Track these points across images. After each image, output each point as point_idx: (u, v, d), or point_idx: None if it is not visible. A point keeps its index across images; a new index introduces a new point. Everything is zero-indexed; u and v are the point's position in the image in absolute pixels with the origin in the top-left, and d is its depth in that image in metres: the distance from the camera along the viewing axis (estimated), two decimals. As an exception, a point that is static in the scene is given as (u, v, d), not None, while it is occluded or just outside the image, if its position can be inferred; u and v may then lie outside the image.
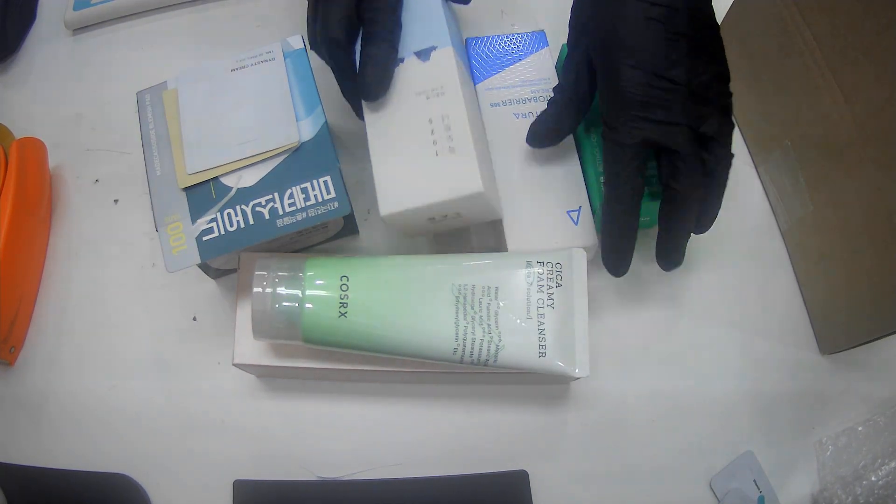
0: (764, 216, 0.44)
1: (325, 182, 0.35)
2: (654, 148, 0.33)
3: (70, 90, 0.49)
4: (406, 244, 0.42)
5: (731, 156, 0.34)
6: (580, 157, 0.40)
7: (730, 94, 0.34)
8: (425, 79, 0.35)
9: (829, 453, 0.38)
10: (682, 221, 0.34)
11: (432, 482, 0.38)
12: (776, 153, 0.42)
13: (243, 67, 0.38)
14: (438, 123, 0.34)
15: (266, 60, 0.38)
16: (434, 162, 0.34)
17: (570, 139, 0.40)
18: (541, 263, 0.34)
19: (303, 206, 0.35)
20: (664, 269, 0.37)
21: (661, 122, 0.31)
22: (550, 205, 0.38)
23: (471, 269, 0.34)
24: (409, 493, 0.38)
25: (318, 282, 0.33)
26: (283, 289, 0.32)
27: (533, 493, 0.38)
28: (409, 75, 0.36)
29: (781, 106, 0.41)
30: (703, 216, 0.36)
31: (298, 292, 0.32)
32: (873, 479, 0.37)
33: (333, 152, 0.36)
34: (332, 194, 0.35)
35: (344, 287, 0.33)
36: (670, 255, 0.36)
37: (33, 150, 0.44)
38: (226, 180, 0.36)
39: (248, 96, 0.37)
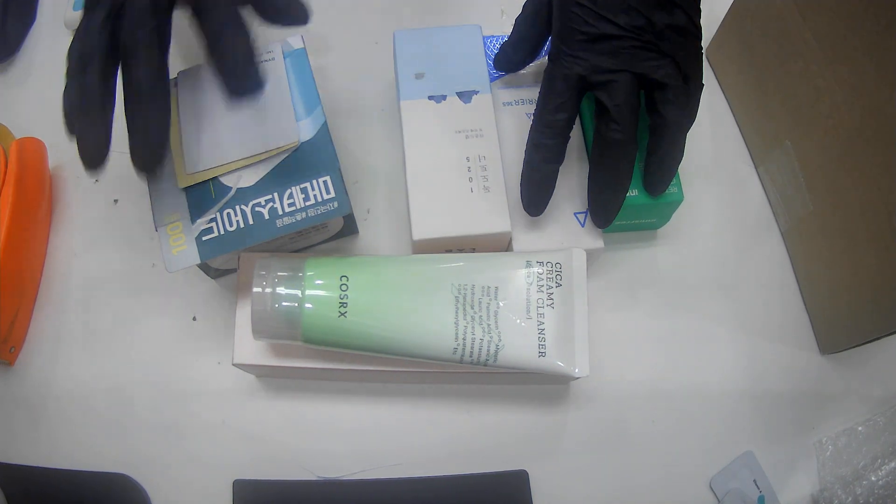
0: (764, 216, 0.44)
1: (325, 182, 0.35)
2: (639, 81, 0.33)
3: (70, 90, 0.49)
4: (406, 244, 0.42)
5: (683, 110, 0.34)
6: (589, 159, 0.40)
7: (686, 47, 0.34)
8: (465, 119, 0.38)
9: (829, 453, 0.38)
10: (671, 150, 0.35)
11: (432, 482, 0.38)
12: (776, 153, 0.42)
13: None
14: (475, 162, 0.37)
15: (266, 60, 0.38)
16: (468, 197, 0.37)
17: (579, 140, 0.40)
18: (540, 263, 0.34)
19: (302, 206, 0.35)
20: (653, 195, 0.38)
21: (603, 66, 0.33)
22: (557, 206, 0.38)
23: (471, 269, 0.34)
24: (409, 493, 0.38)
25: (318, 282, 0.33)
26: (282, 289, 0.32)
27: (533, 493, 0.38)
28: (450, 113, 0.39)
29: (781, 106, 0.41)
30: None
31: (298, 292, 0.32)
32: (873, 479, 0.37)
33: (333, 152, 0.36)
34: (332, 194, 0.35)
35: (344, 287, 0.33)
36: (659, 186, 0.37)
37: (33, 150, 0.44)
38: (225, 180, 0.36)
39: None
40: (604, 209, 0.36)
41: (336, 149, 0.36)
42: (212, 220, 0.35)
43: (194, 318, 0.42)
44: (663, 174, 0.36)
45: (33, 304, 0.43)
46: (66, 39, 0.50)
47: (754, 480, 0.38)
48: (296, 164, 0.36)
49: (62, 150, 0.47)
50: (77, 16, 0.50)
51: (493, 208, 0.37)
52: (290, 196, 0.35)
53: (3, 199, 0.40)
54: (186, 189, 0.35)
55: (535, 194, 0.36)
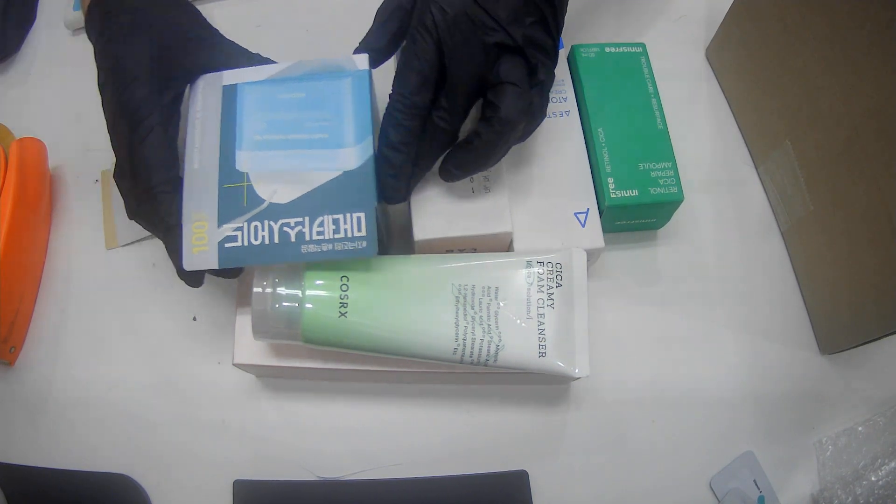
0: (764, 216, 0.44)
1: (359, 219, 0.32)
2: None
3: (70, 90, 0.49)
4: (406, 244, 0.42)
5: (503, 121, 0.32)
6: (589, 159, 0.40)
7: (545, 63, 0.32)
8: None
9: (829, 453, 0.38)
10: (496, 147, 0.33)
11: (432, 482, 0.38)
12: (776, 153, 0.42)
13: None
14: None
15: (328, 75, 0.35)
16: (469, 198, 0.37)
17: (580, 139, 0.40)
18: (541, 263, 0.34)
19: (331, 237, 0.33)
20: (446, 177, 0.36)
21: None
22: (558, 206, 0.38)
23: (471, 269, 0.34)
24: (409, 493, 0.38)
25: (318, 282, 0.33)
26: (283, 289, 0.32)
27: (533, 493, 0.38)
28: None
29: (781, 106, 0.41)
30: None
31: (298, 292, 0.32)
32: (873, 479, 0.37)
33: (374, 189, 0.33)
34: (363, 233, 0.32)
35: (344, 287, 0.33)
36: (456, 172, 0.35)
37: (33, 149, 0.44)
38: (260, 191, 0.33)
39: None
40: (414, 169, 0.35)
41: None
42: (238, 228, 0.33)
43: (194, 318, 0.42)
44: (465, 167, 0.34)
45: (33, 304, 0.43)
46: (67, 40, 0.51)
47: (754, 480, 0.38)
48: (333, 193, 0.33)
49: (62, 150, 0.47)
50: (77, 16, 0.50)
51: (494, 209, 0.37)
52: (321, 224, 0.33)
53: (3, 198, 0.40)
54: (220, 190, 0.33)
55: (399, 178, 0.34)
